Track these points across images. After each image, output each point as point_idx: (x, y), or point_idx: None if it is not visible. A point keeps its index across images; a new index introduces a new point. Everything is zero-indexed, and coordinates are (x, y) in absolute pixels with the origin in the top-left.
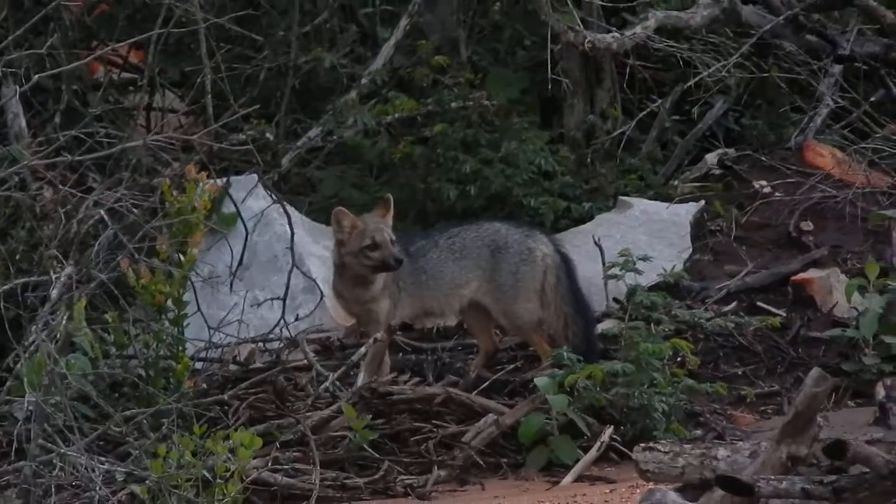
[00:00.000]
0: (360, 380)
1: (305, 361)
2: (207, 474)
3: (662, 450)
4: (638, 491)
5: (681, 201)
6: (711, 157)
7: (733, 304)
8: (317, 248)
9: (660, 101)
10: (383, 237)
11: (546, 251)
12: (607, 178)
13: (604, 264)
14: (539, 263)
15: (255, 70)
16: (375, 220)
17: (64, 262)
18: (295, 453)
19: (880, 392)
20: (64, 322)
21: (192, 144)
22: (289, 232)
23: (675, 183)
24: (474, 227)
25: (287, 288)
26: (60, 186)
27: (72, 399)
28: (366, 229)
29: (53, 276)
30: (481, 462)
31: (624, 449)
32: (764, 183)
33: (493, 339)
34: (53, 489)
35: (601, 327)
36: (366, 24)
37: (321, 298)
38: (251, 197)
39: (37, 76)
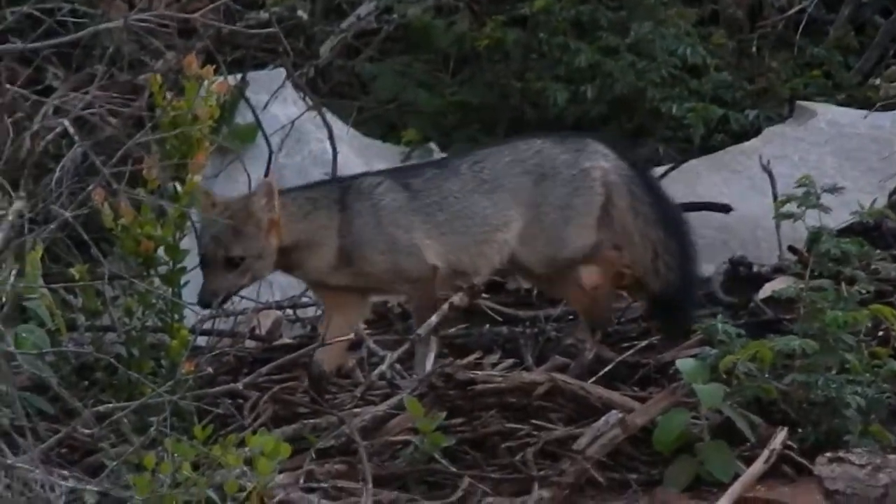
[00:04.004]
0: (429, 361)
1: (352, 336)
2: (213, 495)
3: (857, 462)
4: None
5: (885, 108)
6: None
7: None
8: None
9: None
10: None
11: (606, 165)
12: (780, 74)
13: (775, 198)
14: (597, 188)
15: None
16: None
17: (12, 193)
18: (337, 466)
19: None
20: (11, 280)
21: (194, 26)
22: (330, 151)
23: (877, 82)
24: (506, 148)
25: None
26: (7, 86)
27: (22, 389)
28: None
29: None
30: (600, 479)
31: (803, 460)
32: None
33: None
34: None
35: (770, 287)
36: None
37: None
38: (276, 101)
39: None
